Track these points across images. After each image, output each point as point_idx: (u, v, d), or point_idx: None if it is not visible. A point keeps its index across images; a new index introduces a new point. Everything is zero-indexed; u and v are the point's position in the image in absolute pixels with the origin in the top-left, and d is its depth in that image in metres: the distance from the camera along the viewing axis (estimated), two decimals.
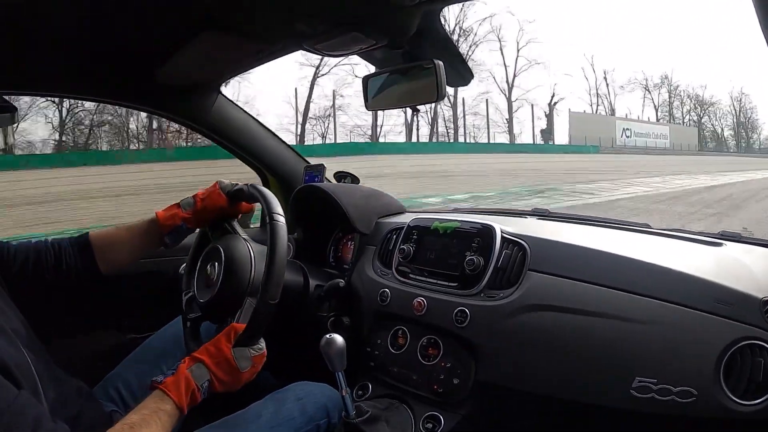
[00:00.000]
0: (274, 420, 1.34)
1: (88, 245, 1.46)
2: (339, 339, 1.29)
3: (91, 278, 1.46)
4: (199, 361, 1.22)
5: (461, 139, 52.45)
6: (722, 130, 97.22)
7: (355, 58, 1.66)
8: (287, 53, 1.68)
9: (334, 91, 47.07)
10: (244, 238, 1.50)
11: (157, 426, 1.09)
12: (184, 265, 1.64)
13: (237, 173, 2.56)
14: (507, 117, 56.93)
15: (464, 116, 54.14)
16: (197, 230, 1.60)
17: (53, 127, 35.83)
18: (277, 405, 1.38)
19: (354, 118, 46.64)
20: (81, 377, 1.38)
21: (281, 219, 1.38)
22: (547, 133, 62.70)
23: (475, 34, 53.82)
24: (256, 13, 1.37)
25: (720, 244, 1.57)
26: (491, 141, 52.50)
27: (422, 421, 1.54)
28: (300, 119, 46.67)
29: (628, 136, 65.88)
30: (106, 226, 1.54)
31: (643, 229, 1.80)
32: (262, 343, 1.31)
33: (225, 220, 1.57)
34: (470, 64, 1.49)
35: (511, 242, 1.60)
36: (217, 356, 1.24)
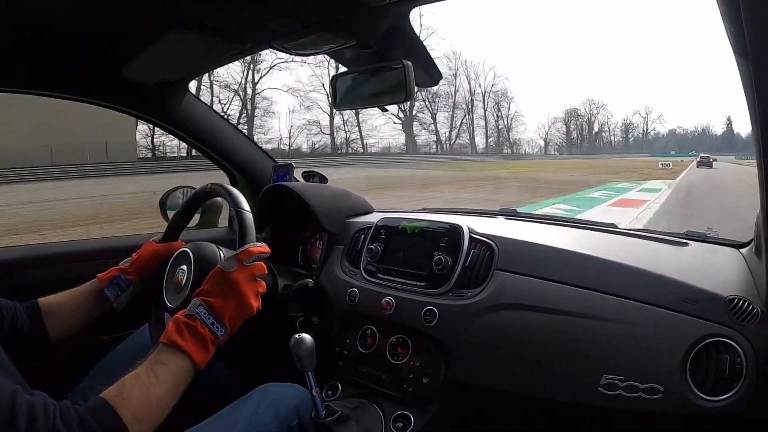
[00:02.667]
0: (248, 425, 1.32)
1: (37, 311, 1.42)
2: (308, 339, 1.28)
3: (41, 345, 1.42)
4: (192, 298, 1.20)
5: None
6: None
7: None
8: (256, 51, 1.67)
9: None
10: (212, 243, 1.49)
11: (151, 378, 1.05)
12: None
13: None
14: None
15: None
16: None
17: None
18: (249, 409, 1.35)
19: None
20: (47, 382, 1.35)
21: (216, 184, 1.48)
22: None
23: None
24: (225, 11, 1.35)
25: (685, 244, 1.61)
26: None
27: (392, 420, 1.54)
28: None
29: None
30: None
31: (609, 229, 1.83)
32: (247, 245, 1.30)
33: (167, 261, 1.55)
34: None
35: (479, 242, 1.61)
36: (206, 279, 1.23)
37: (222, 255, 1.43)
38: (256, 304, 1.25)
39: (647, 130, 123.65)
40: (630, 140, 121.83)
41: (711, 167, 47.90)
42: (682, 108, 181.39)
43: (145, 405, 1.02)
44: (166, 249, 1.56)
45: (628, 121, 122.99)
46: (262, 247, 1.29)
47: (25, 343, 1.38)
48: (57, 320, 1.43)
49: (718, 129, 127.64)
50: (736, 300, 1.25)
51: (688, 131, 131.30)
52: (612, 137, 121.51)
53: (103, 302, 1.48)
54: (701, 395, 1.20)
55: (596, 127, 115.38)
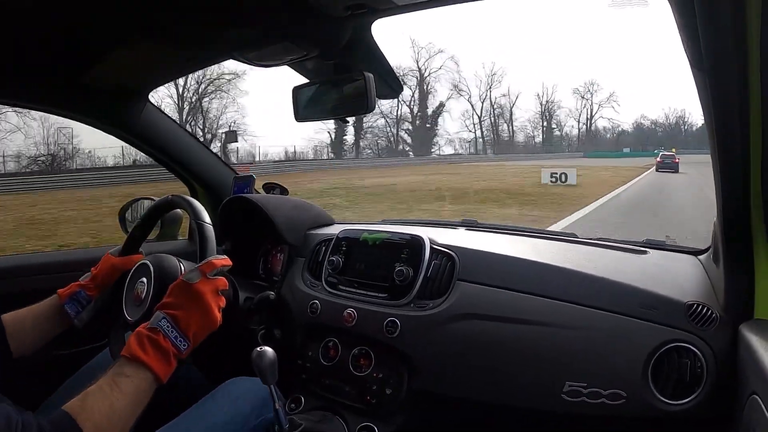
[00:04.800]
0: (226, 416, 1.31)
1: (1, 329, 1.37)
2: (270, 352, 1.27)
3: (4, 363, 1.37)
4: (155, 310, 1.17)
5: None
6: None
7: None
8: (217, 62, 1.66)
9: None
10: (173, 255, 1.46)
11: (114, 390, 1.02)
12: None
13: None
14: None
15: None
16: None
17: None
18: (225, 401, 1.35)
19: None
20: (11, 399, 1.31)
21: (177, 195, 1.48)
22: None
23: None
24: (187, 21, 1.34)
25: (645, 252, 1.65)
26: None
27: None
28: None
29: None
30: None
31: (569, 238, 1.86)
32: (210, 258, 1.27)
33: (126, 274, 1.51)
34: None
35: (440, 253, 1.62)
36: (168, 291, 1.19)
37: (183, 267, 1.41)
38: (219, 317, 1.22)
39: (591, 117, 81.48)
40: (555, 131, 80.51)
41: (676, 171, 33.03)
42: (647, 89, 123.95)
43: (108, 417, 1.00)
44: (125, 262, 1.52)
45: (545, 101, 79.79)
46: (225, 260, 1.26)
47: None
48: (18, 338, 1.38)
49: (697, 119, 78.43)
50: (695, 305, 1.28)
51: (658, 122, 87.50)
52: (507, 125, 77.83)
53: (63, 319, 1.44)
54: (663, 399, 1.24)
55: (434, 102, 69.84)
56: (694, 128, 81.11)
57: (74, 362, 1.57)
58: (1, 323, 1.36)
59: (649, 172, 33.00)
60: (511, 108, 77.44)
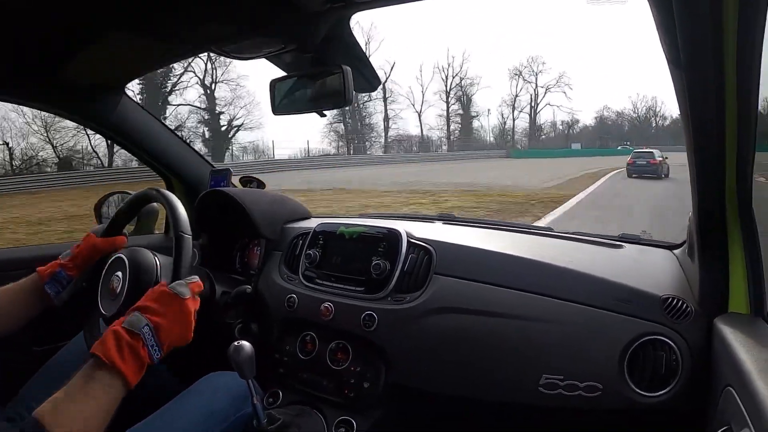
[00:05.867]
0: (202, 412, 1.30)
1: None
2: (247, 346, 1.26)
3: None
4: (134, 310, 1.12)
5: None
6: None
7: None
8: (194, 55, 1.65)
9: None
10: (149, 249, 1.45)
11: (86, 397, 1.00)
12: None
13: None
14: None
15: None
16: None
17: None
18: (203, 397, 1.35)
19: None
20: None
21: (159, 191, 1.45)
22: None
23: None
24: (165, 13, 1.33)
25: (620, 246, 1.67)
26: None
27: (335, 425, 1.55)
28: None
29: None
30: None
31: (545, 232, 1.88)
32: (195, 277, 1.26)
33: (108, 256, 1.48)
34: None
35: (417, 246, 1.63)
36: (152, 294, 1.16)
37: (158, 263, 1.39)
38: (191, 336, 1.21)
39: (537, 104, 64.99)
40: (476, 120, 63.16)
41: (659, 177, 22.82)
42: (611, 74, 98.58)
43: (82, 423, 0.98)
44: (107, 244, 1.51)
45: (452, 75, 62.12)
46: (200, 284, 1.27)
47: None
48: None
49: (672, 109, 62.47)
50: (670, 299, 1.30)
51: (625, 114, 71.64)
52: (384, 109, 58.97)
53: (42, 299, 1.42)
54: (639, 391, 1.26)
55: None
56: (668, 121, 67.33)
57: (48, 357, 1.55)
58: None
59: (598, 183, 21.22)
60: (384, 83, 55.03)
